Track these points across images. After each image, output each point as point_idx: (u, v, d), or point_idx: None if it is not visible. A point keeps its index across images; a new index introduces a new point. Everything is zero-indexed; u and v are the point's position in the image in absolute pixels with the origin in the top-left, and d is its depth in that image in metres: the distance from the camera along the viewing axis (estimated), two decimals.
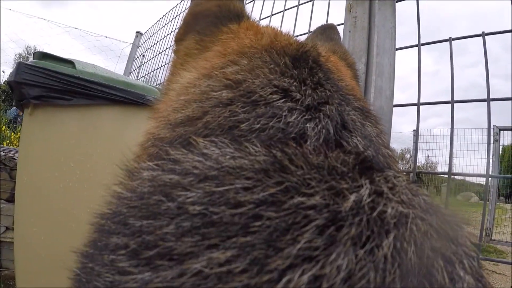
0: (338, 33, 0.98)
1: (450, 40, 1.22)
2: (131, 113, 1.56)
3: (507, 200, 10.21)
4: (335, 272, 0.25)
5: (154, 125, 0.52)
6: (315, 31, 0.99)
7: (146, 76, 3.95)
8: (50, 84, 1.31)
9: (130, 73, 4.34)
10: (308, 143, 0.39)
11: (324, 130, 0.41)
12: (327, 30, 0.96)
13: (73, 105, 1.37)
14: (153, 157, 0.40)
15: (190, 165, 0.34)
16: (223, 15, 0.67)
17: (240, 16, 0.69)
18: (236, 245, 0.27)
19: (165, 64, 3.52)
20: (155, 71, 3.74)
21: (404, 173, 0.49)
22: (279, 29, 0.68)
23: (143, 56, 4.39)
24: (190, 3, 0.75)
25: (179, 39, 0.73)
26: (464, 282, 0.29)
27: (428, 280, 0.27)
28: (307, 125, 0.41)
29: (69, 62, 1.43)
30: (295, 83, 0.47)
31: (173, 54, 0.74)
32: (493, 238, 6.66)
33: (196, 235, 0.28)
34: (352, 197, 0.31)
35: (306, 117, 0.42)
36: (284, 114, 0.41)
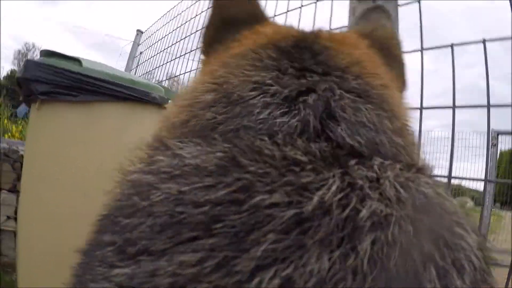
0: (384, 13, 0.83)
1: (451, 46, 1.25)
2: (136, 109, 1.59)
3: (503, 206, 9.98)
4: (307, 276, 0.24)
5: (158, 128, 0.53)
6: (359, 16, 0.87)
7: (145, 74, 3.97)
8: (57, 80, 1.34)
9: (131, 70, 4.37)
10: (277, 137, 0.37)
11: (300, 123, 0.38)
12: (368, 12, 0.84)
13: (80, 101, 1.40)
14: (142, 160, 0.41)
15: (162, 165, 0.35)
16: (246, 22, 0.64)
17: (260, 20, 0.66)
18: (204, 248, 0.26)
19: (165, 63, 3.54)
20: (155, 69, 3.76)
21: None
22: (290, 25, 0.65)
23: (141, 53, 4.41)
24: (213, 3, 0.71)
25: (207, 43, 0.69)
26: None
27: None
28: (279, 120, 0.39)
29: (76, 60, 1.46)
30: (275, 74, 0.45)
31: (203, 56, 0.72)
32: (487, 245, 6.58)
33: (167, 233, 0.28)
34: (316, 196, 0.29)
35: (281, 110, 0.40)
36: (257, 111, 0.40)
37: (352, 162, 0.33)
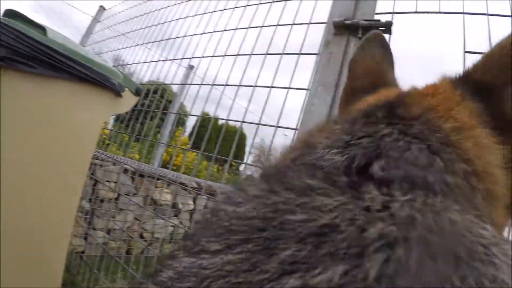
0: (380, 40, 0.78)
1: None
2: (92, 93, 1.52)
3: None
4: (325, 283, 0.25)
5: None
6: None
7: (102, 54, 3.81)
8: (17, 46, 1.23)
9: (85, 46, 4.17)
10: (321, 171, 0.40)
11: (346, 160, 0.40)
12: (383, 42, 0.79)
13: (37, 74, 1.31)
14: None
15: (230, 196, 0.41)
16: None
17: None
18: (243, 251, 0.31)
19: (130, 46, 3.42)
20: (116, 51, 3.62)
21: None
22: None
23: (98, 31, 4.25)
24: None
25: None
26: None
27: None
28: (330, 157, 0.42)
29: (41, 28, 1.36)
30: (347, 127, 0.47)
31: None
32: None
33: (215, 232, 0.34)
34: (328, 215, 0.31)
35: (334, 151, 0.42)
36: (319, 155, 0.44)
37: (368, 186, 0.34)
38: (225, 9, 2.34)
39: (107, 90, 1.56)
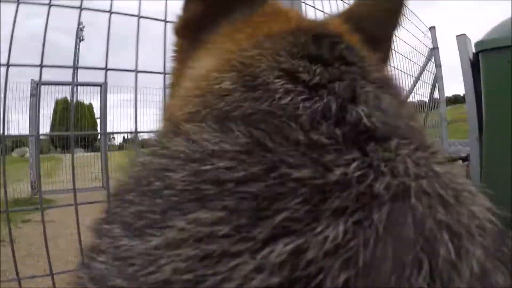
0: None
1: None
2: None
3: (63, 150, 12.21)
4: (320, 244, 0.24)
5: (162, 125, 0.53)
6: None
7: None
8: None
9: None
10: (298, 120, 0.37)
11: (321, 108, 0.39)
12: None
13: None
14: (152, 144, 0.41)
15: (176, 150, 0.35)
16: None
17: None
18: (221, 209, 0.27)
19: None
20: None
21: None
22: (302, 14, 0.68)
23: None
24: None
25: (196, 22, 0.61)
26: (471, 256, 0.26)
27: (429, 253, 0.25)
28: (301, 105, 0.39)
29: None
30: (304, 64, 0.44)
31: (181, 43, 0.62)
32: (45, 188, 6.41)
33: (182, 209, 0.28)
34: (338, 170, 0.30)
35: (303, 96, 0.40)
36: (277, 96, 0.40)
37: (371, 145, 0.34)
38: None
39: None
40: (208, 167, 0.31)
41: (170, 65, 0.63)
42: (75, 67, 1.18)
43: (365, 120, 0.37)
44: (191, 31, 0.61)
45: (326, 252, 0.24)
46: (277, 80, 0.42)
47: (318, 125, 0.36)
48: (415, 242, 0.25)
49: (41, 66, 1.21)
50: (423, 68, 3.83)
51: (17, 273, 1.25)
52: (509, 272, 0.29)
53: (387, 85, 0.47)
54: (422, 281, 0.24)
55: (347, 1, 1.41)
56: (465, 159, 3.20)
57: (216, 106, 0.42)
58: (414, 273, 0.24)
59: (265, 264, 0.24)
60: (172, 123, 0.45)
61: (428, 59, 3.89)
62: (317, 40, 0.49)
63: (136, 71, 1.18)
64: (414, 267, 0.24)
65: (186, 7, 0.62)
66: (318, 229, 0.25)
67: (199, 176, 0.30)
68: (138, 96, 1.44)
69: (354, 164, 0.30)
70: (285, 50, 0.47)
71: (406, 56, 3.39)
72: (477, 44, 2.40)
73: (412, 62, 3.53)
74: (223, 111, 0.41)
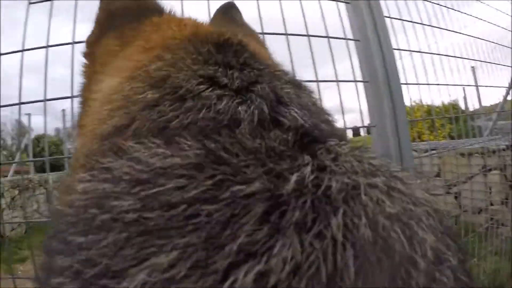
0: (238, 10, 0.91)
1: None
2: None
3: None
4: (281, 266, 0.23)
5: (82, 142, 0.51)
6: (215, 14, 0.92)
7: None
8: None
9: None
10: (242, 126, 0.37)
11: (257, 110, 0.39)
12: (228, 11, 0.89)
13: None
14: (87, 168, 0.38)
15: (121, 172, 0.33)
16: (144, 9, 0.65)
17: (160, 10, 0.67)
18: (176, 248, 0.25)
19: None
20: None
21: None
22: (199, 19, 0.68)
23: None
24: (100, 3, 0.70)
25: (93, 41, 0.68)
26: (424, 243, 0.28)
27: (387, 253, 0.26)
28: (239, 108, 0.40)
29: None
30: (220, 69, 0.46)
31: (85, 60, 0.68)
32: None
33: (133, 246, 0.26)
34: (294, 178, 0.29)
35: (237, 100, 0.41)
36: (213, 102, 0.40)
37: (316, 147, 0.35)
38: None
39: None
40: (156, 189, 0.30)
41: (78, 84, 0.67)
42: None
43: (302, 122, 0.39)
44: (93, 51, 0.66)
45: (289, 273, 0.23)
46: (202, 87, 0.43)
47: (265, 130, 0.37)
48: (373, 243, 0.26)
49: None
50: None
51: None
52: (457, 246, 0.32)
53: (299, 85, 0.51)
54: (384, 281, 0.25)
55: None
56: None
57: (148, 117, 0.41)
58: (376, 275, 0.25)
59: None
60: (99, 142, 0.43)
61: None
62: (220, 48, 0.50)
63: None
64: (376, 269, 0.25)
65: (90, 33, 0.69)
66: (276, 250, 0.24)
67: (147, 202, 0.29)
68: None
69: (308, 168, 0.31)
70: (192, 59, 0.48)
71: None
72: None
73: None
74: (158, 122, 0.40)
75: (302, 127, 0.39)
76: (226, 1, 0.93)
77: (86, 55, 0.68)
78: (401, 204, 0.30)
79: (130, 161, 0.34)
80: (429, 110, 2.34)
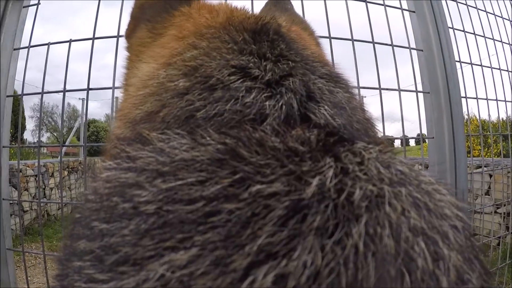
0: (291, 3, 0.92)
1: None
2: None
3: None
4: (301, 270, 0.23)
5: (117, 125, 0.52)
6: (267, 3, 0.93)
7: None
8: None
9: None
10: (268, 122, 0.37)
11: (286, 106, 0.39)
12: (281, 1, 0.89)
13: None
14: (113, 156, 0.39)
15: (144, 162, 0.33)
16: (171, 0, 0.65)
17: None
18: (196, 244, 0.25)
19: None
20: None
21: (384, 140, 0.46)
22: (233, 5, 0.67)
23: None
24: None
25: (129, 34, 0.72)
26: (448, 261, 0.27)
27: (408, 266, 0.25)
28: (267, 103, 0.39)
29: None
30: (254, 59, 0.46)
31: (125, 52, 0.72)
32: None
33: (154, 237, 0.27)
34: (315, 181, 0.29)
35: (265, 94, 0.41)
36: (241, 95, 0.40)
37: (341, 149, 0.34)
38: None
39: None
40: (177, 183, 0.30)
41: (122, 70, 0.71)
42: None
43: (331, 121, 0.38)
44: (130, 44, 0.70)
45: (308, 277, 0.23)
46: (233, 78, 0.43)
47: (289, 128, 0.36)
48: (395, 255, 0.25)
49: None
50: None
51: None
52: (481, 266, 0.31)
53: (335, 79, 0.48)
54: None
55: None
56: None
57: (176, 105, 0.42)
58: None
59: None
60: (131, 127, 0.45)
61: None
62: (257, 37, 0.50)
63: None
64: (397, 282, 0.24)
65: (127, 27, 0.73)
66: (296, 253, 0.24)
67: (167, 195, 0.29)
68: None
69: (330, 172, 0.30)
70: (226, 48, 0.48)
71: None
72: None
73: None
74: (185, 110, 0.41)
75: (329, 125, 0.38)
76: None
77: (126, 48, 0.72)
78: (428, 217, 0.29)
79: (153, 152, 0.34)
80: (480, 125, 2.26)
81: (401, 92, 1.37)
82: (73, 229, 0.34)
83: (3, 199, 1.38)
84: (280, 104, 0.39)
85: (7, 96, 1.40)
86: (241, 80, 0.42)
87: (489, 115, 2.07)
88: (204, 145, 0.33)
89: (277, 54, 0.47)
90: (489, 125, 2.26)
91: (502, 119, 2.40)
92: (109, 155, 0.44)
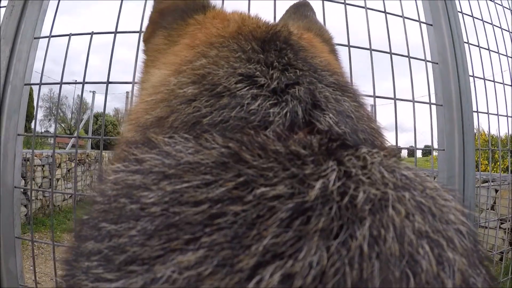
0: (312, 9, 0.92)
1: None
2: None
3: None
4: (307, 270, 0.24)
5: (127, 129, 0.54)
6: (288, 10, 0.94)
7: None
8: None
9: None
10: (271, 128, 0.38)
11: (290, 113, 0.40)
12: (301, 8, 0.91)
13: None
14: (121, 158, 0.39)
15: (151, 164, 0.34)
16: (188, 8, 0.67)
17: (205, 6, 0.69)
18: (203, 246, 0.26)
19: None
20: None
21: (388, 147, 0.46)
22: (247, 13, 0.69)
23: None
24: (154, 2, 0.75)
25: (147, 38, 0.74)
26: (453, 264, 0.27)
27: (412, 268, 0.25)
28: (271, 110, 0.40)
29: None
30: (261, 68, 0.46)
31: (143, 55, 0.74)
32: None
33: (161, 237, 0.27)
34: (318, 184, 0.29)
35: (271, 102, 0.41)
36: (246, 102, 0.41)
37: (345, 153, 0.34)
38: None
39: None
40: (183, 185, 0.31)
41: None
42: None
43: (335, 128, 0.39)
44: (147, 48, 0.72)
45: (314, 277, 0.24)
46: (239, 85, 0.44)
47: (292, 133, 0.37)
48: (399, 257, 0.26)
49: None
50: None
51: None
52: (486, 271, 0.31)
53: (343, 88, 0.49)
54: None
55: None
56: None
57: (184, 111, 0.43)
58: None
59: None
60: (141, 131, 0.46)
61: None
62: (265, 46, 0.51)
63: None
64: (402, 283, 0.25)
65: (145, 30, 0.75)
66: (302, 254, 0.25)
67: (173, 197, 0.30)
68: None
69: (332, 176, 0.30)
70: (235, 58, 0.49)
71: None
72: None
73: None
74: (192, 116, 0.42)
75: (333, 132, 0.39)
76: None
77: (143, 51, 0.74)
78: (432, 221, 0.29)
79: (159, 155, 0.35)
80: (489, 140, 2.27)
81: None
82: (81, 231, 0.34)
83: (15, 187, 1.39)
84: (284, 111, 0.40)
85: (25, 85, 1.42)
86: (247, 87, 0.43)
87: (498, 130, 2.08)
88: (209, 149, 0.34)
89: (285, 63, 0.48)
90: (498, 140, 2.26)
91: (511, 135, 2.41)
92: (118, 157, 0.45)
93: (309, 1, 0.95)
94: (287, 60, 0.49)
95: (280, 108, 0.40)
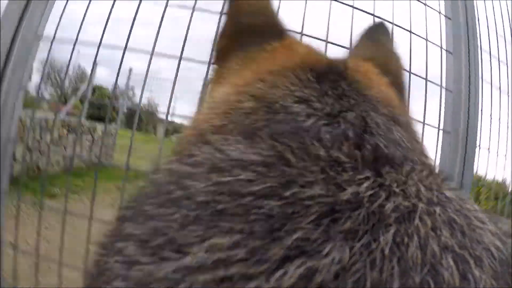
0: (385, 31, 0.88)
1: None
2: None
3: None
4: (328, 267, 0.25)
5: (186, 133, 0.56)
6: (362, 34, 0.90)
7: None
8: None
9: None
10: (322, 141, 0.39)
11: (341, 135, 0.40)
12: (372, 31, 0.88)
13: None
14: (177, 153, 0.42)
15: (202, 157, 0.36)
16: (267, 31, 0.67)
17: (281, 32, 0.69)
18: (239, 232, 0.27)
19: None
20: None
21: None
22: (315, 47, 0.69)
23: None
24: (229, 9, 0.74)
25: (220, 51, 0.72)
26: (478, 282, 0.26)
27: (434, 278, 0.25)
28: (323, 128, 0.41)
29: None
30: (316, 94, 0.48)
31: (215, 65, 0.73)
32: None
33: (201, 223, 0.29)
34: (350, 189, 0.31)
35: (323, 121, 0.42)
36: (301, 119, 0.43)
37: (387, 168, 0.35)
38: None
39: None
40: (229, 178, 0.32)
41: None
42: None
43: (383, 148, 0.40)
44: (220, 59, 0.71)
45: (334, 274, 0.24)
46: (296, 105, 0.46)
47: (340, 145, 0.38)
48: (421, 265, 0.26)
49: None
50: None
51: None
52: None
53: (397, 119, 0.50)
54: None
55: None
56: None
57: (242, 122, 0.45)
58: None
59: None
60: (199, 135, 0.48)
61: None
62: (320, 77, 0.52)
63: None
64: None
65: (218, 40, 0.75)
66: (326, 251, 0.26)
67: (220, 188, 0.31)
68: None
69: (366, 184, 0.32)
70: (290, 83, 0.50)
71: None
72: None
73: None
74: (250, 127, 0.44)
75: (379, 150, 0.39)
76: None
77: (215, 69, 0.73)
78: (461, 238, 0.29)
79: (211, 149, 0.37)
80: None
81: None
82: (124, 214, 0.36)
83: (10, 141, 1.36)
84: (336, 131, 0.41)
85: (36, 40, 1.36)
86: (303, 108, 0.45)
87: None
88: (257, 148, 0.36)
89: (339, 93, 0.49)
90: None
91: None
92: (176, 152, 0.48)
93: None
94: (341, 91, 0.50)
95: (332, 128, 0.41)
